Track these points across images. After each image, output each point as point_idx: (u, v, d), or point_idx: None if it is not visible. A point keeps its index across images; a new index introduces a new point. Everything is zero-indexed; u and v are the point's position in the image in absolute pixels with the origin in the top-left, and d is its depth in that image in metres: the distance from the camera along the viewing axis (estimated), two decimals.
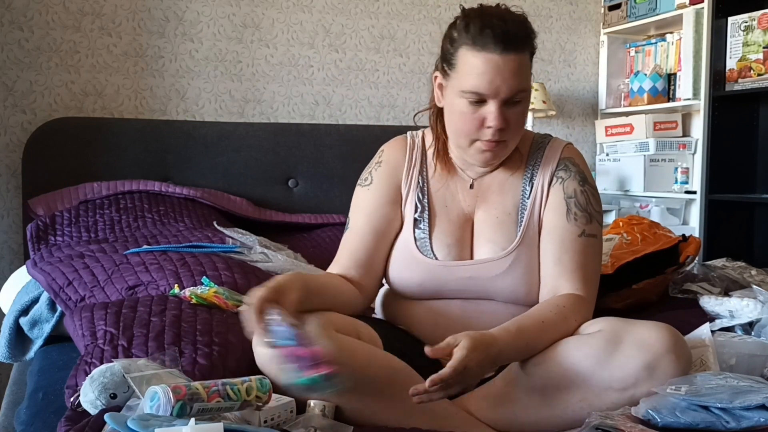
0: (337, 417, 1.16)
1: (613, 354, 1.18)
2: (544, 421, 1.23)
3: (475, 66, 1.30)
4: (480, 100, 1.32)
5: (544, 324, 1.28)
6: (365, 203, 1.48)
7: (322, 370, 1.01)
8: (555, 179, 1.43)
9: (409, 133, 1.55)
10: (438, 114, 1.48)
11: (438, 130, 1.48)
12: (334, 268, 1.47)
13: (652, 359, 1.16)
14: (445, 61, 1.37)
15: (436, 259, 1.41)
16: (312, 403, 1.15)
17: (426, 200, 1.46)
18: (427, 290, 1.42)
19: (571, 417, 1.21)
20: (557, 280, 1.37)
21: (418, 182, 1.48)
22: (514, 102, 1.33)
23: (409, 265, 1.43)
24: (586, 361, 1.20)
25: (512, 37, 1.29)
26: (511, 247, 1.39)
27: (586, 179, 1.45)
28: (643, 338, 1.18)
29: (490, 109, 1.32)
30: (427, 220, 1.44)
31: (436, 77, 1.42)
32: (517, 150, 1.45)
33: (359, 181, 1.52)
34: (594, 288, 1.40)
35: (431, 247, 1.42)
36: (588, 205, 1.42)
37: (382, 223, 1.46)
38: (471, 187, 1.47)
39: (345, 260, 1.46)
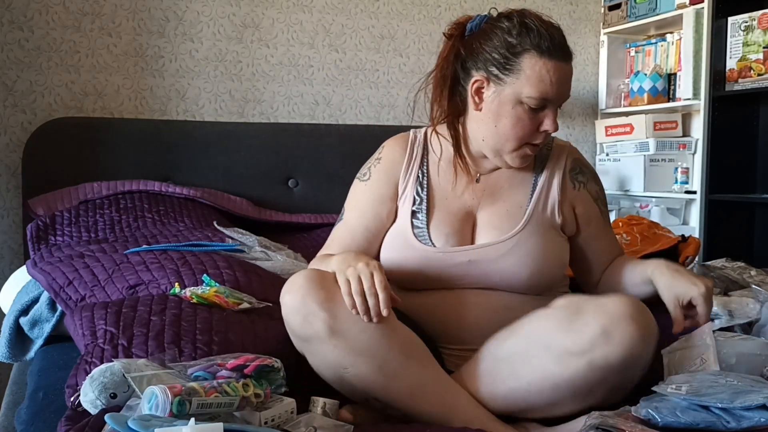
0: (348, 390, 1.19)
1: (573, 321, 1.21)
2: (515, 394, 1.24)
3: (545, 73, 1.34)
4: (542, 106, 1.37)
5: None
6: (361, 199, 1.51)
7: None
8: (577, 184, 1.51)
9: (412, 130, 1.57)
10: (455, 117, 1.48)
11: (460, 132, 1.49)
12: (323, 256, 1.47)
13: (608, 323, 1.18)
14: (500, 67, 1.37)
15: (434, 246, 1.42)
16: (315, 399, 1.16)
17: (425, 193, 1.47)
18: (427, 278, 1.42)
19: (536, 389, 1.22)
20: (615, 252, 1.58)
21: (418, 176, 1.49)
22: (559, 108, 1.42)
23: (403, 251, 1.44)
24: (546, 329, 1.23)
25: (567, 45, 1.39)
26: (515, 230, 1.41)
27: (597, 177, 1.57)
28: (601, 304, 1.21)
29: (548, 114, 1.38)
30: (425, 212, 1.45)
31: (475, 82, 1.41)
32: None
33: (359, 175, 1.55)
34: None
35: (429, 236, 1.43)
36: (606, 201, 1.58)
37: (375, 222, 1.48)
38: (477, 181, 1.49)
39: (336, 251, 1.46)
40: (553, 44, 1.35)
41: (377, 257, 1.49)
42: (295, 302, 1.21)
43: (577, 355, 1.19)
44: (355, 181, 1.55)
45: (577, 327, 1.20)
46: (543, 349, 1.22)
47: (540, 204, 1.46)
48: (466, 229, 1.44)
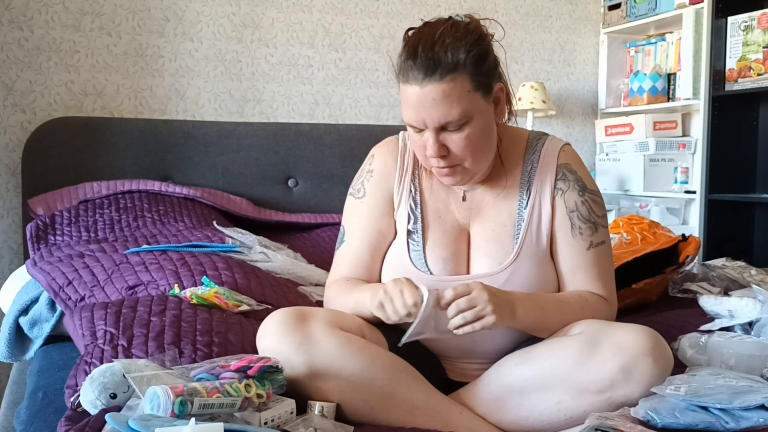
0: (338, 417, 1.17)
1: (591, 356, 1.19)
2: (522, 422, 1.24)
3: (404, 98, 1.28)
4: (419, 129, 1.29)
5: (562, 303, 1.32)
6: (360, 217, 1.44)
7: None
8: (556, 191, 1.39)
9: (401, 134, 1.49)
10: None
11: None
12: (341, 281, 1.44)
13: (628, 361, 1.16)
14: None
15: (431, 273, 1.36)
16: (312, 403, 1.16)
17: (419, 211, 1.41)
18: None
19: (548, 420, 1.22)
20: (577, 289, 1.38)
21: (410, 190, 1.42)
22: (454, 129, 1.27)
23: (400, 276, 1.37)
24: (563, 362, 1.21)
25: (434, 65, 1.22)
26: (507, 261, 1.35)
27: (585, 186, 1.41)
28: (621, 340, 1.18)
29: (428, 138, 1.28)
30: (420, 232, 1.39)
31: None
32: (508, 158, 1.41)
33: (352, 190, 1.48)
34: (613, 288, 1.42)
35: (425, 261, 1.37)
36: (591, 215, 1.39)
37: (378, 239, 1.43)
38: (464, 199, 1.42)
39: (349, 275, 1.43)
40: (414, 66, 1.23)
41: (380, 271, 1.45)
42: (271, 348, 1.19)
43: (597, 393, 1.18)
44: (350, 197, 1.47)
45: (595, 363, 1.18)
46: (559, 382, 1.20)
47: (533, 226, 1.37)
48: (462, 250, 1.39)
